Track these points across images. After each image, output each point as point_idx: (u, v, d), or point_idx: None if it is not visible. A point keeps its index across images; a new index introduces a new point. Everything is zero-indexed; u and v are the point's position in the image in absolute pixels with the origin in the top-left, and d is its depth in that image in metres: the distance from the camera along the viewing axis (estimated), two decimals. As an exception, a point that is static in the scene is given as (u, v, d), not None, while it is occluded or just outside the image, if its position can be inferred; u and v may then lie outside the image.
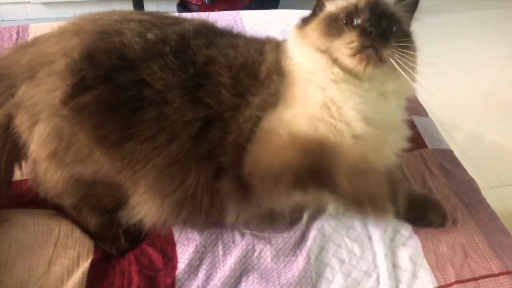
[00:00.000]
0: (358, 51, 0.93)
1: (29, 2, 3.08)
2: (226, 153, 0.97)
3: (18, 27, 1.65)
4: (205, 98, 0.98)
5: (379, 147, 0.99)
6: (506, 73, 2.75)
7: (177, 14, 1.76)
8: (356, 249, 1.05)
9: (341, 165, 0.89)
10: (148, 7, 2.92)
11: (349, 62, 0.94)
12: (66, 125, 0.95)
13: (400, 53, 0.94)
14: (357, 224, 1.09)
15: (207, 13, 1.77)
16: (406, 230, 1.09)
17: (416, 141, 1.33)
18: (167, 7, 3.08)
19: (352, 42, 0.93)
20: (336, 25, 0.98)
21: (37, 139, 0.98)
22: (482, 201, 1.16)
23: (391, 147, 1.01)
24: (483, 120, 2.48)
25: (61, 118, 0.95)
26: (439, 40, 3.03)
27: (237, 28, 1.66)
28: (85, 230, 1.09)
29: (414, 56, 1.00)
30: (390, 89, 0.99)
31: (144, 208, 1.00)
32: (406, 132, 1.05)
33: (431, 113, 1.49)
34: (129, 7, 2.88)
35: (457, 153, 1.33)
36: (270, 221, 1.07)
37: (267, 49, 1.06)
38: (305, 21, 1.06)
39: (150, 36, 1.01)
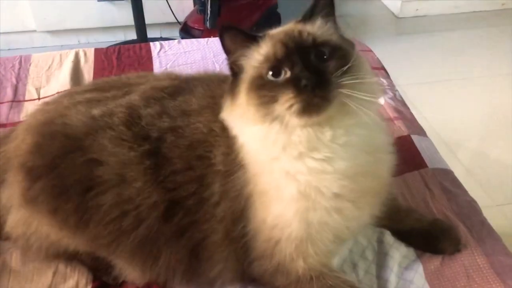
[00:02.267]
0: (303, 109, 0.82)
1: (34, 31, 3.13)
2: (213, 253, 0.95)
3: (21, 57, 1.68)
4: (163, 181, 0.93)
5: (374, 182, 0.95)
6: (509, 90, 2.74)
7: (180, 40, 1.78)
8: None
9: None
10: (152, 33, 2.98)
11: (299, 121, 0.83)
12: (29, 214, 1.00)
13: (347, 86, 0.83)
14: (362, 263, 1.06)
15: (206, 39, 1.79)
16: (409, 252, 1.08)
17: (416, 160, 1.32)
18: (170, 33, 3.13)
19: (292, 105, 0.81)
20: (266, 87, 0.84)
21: (9, 225, 1.05)
22: (483, 222, 1.14)
23: (386, 167, 0.98)
24: (488, 137, 2.46)
25: (24, 209, 1.00)
26: (442, 58, 3.06)
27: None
28: (81, 263, 1.09)
29: (361, 75, 0.85)
30: (352, 122, 0.87)
31: (127, 273, 1.02)
32: (392, 153, 0.99)
33: (434, 131, 1.42)
34: (132, 34, 2.94)
35: (461, 171, 1.29)
36: None
37: (218, 129, 0.94)
38: (232, 90, 0.90)
39: (94, 111, 0.99)
